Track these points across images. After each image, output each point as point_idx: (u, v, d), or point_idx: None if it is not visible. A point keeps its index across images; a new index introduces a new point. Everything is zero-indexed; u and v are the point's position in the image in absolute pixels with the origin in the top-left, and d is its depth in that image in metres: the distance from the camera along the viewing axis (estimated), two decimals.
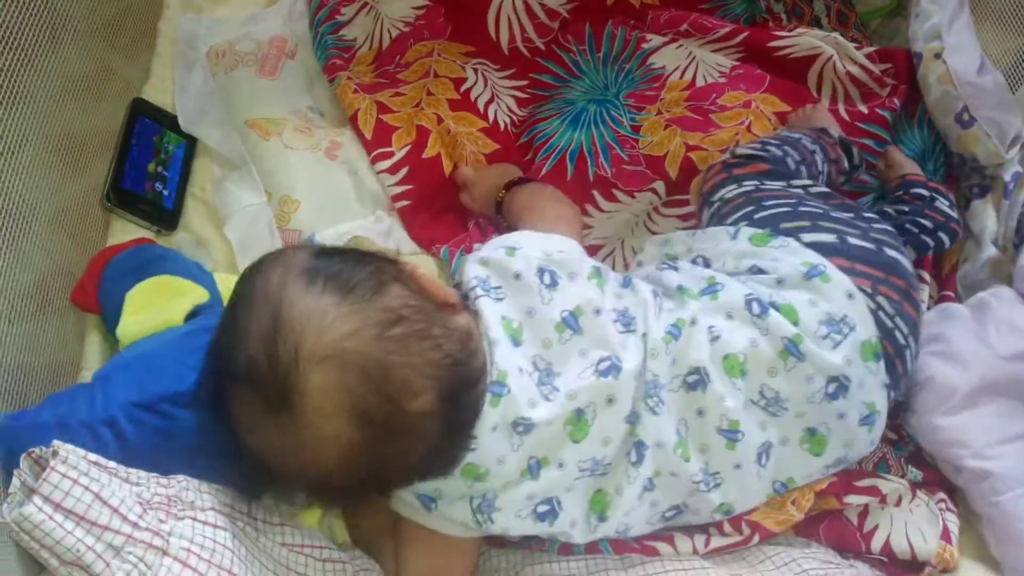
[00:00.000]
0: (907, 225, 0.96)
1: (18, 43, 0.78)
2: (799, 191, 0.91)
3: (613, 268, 0.98)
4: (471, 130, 1.11)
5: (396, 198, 1.06)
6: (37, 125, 0.81)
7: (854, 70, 1.09)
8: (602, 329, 0.76)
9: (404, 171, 1.06)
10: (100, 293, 0.87)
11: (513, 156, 1.11)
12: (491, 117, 1.13)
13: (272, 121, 1.06)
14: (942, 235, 0.98)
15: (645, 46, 1.12)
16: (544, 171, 1.07)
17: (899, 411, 0.90)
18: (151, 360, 0.74)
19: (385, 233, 1.03)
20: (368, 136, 1.07)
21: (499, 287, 0.76)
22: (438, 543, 0.75)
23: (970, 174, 1.08)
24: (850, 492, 0.83)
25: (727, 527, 0.79)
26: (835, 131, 1.03)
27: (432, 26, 1.16)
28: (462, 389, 0.68)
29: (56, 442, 0.58)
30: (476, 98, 1.13)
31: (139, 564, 0.57)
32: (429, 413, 0.65)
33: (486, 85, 1.14)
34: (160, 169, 1.02)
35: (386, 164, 1.06)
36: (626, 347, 0.76)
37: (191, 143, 1.06)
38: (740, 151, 0.96)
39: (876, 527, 0.84)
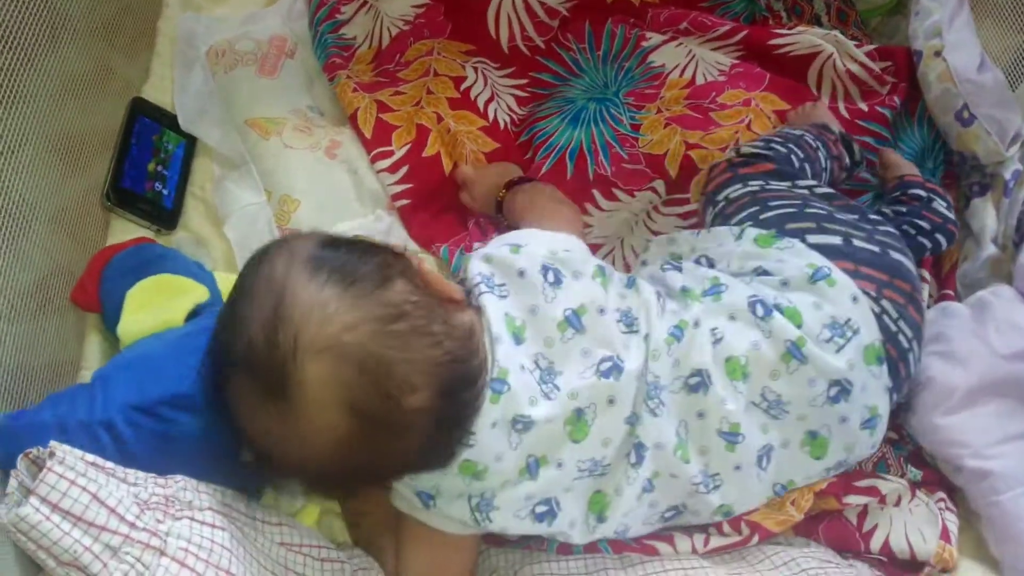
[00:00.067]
0: (904, 226, 0.96)
1: (18, 43, 0.78)
2: (804, 191, 0.90)
3: (613, 267, 0.98)
4: (471, 129, 1.11)
5: (396, 197, 1.05)
6: (37, 124, 0.81)
7: (854, 68, 1.09)
8: (605, 328, 0.76)
9: (404, 170, 1.06)
10: (100, 292, 0.87)
11: (513, 155, 1.10)
12: (491, 116, 1.12)
13: (272, 120, 1.06)
14: (939, 236, 0.97)
15: (645, 44, 1.12)
16: (544, 170, 1.07)
17: (899, 411, 0.89)
18: (151, 361, 0.74)
19: (385, 232, 1.03)
20: (368, 135, 1.07)
21: (503, 284, 0.76)
22: (437, 540, 0.75)
23: (970, 172, 1.08)
24: (849, 492, 0.83)
25: (726, 527, 0.79)
26: (836, 127, 1.03)
27: (432, 25, 1.16)
28: (461, 386, 0.68)
29: (53, 443, 0.58)
30: (476, 97, 1.13)
31: (136, 564, 0.58)
32: (426, 409, 0.65)
33: (486, 84, 1.14)
34: (160, 168, 1.02)
35: (386, 163, 1.06)
36: (628, 347, 0.76)
37: (191, 142, 1.06)
38: (745, 150, 0.96)
39: (875, 527, 0.84)
